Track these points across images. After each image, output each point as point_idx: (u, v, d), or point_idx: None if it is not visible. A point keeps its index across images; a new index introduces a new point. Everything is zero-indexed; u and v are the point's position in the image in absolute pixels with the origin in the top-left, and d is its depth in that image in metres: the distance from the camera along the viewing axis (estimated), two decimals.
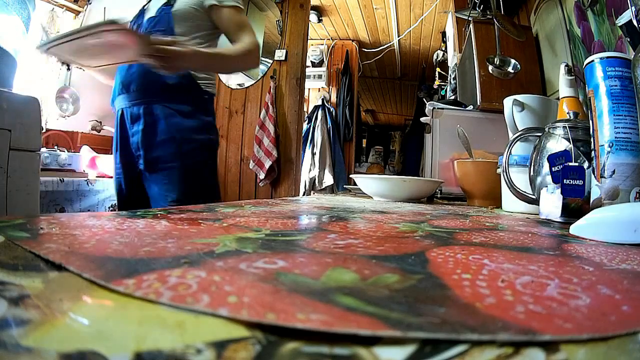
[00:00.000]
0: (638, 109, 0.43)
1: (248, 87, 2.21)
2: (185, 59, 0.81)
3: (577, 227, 0.36)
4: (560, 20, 1.22)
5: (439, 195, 1.22)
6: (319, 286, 0.15)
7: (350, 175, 1.56)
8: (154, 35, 0.81)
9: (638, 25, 0.67)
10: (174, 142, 0.92)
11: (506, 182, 0.64)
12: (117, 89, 0.98)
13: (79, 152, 1.80)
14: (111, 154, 1.75)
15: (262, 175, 2.05)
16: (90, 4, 2.07)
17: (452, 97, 1.74)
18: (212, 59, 0.92)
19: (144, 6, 1.05)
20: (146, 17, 1.00)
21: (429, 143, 1.36)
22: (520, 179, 0.63)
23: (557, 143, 0.55)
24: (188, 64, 0.86)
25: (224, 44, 1.01)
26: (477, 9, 1.50)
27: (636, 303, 0.15)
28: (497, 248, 0.26)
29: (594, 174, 0.47)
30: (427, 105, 1.41)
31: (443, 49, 2.69)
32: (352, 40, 3.37)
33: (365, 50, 3.43)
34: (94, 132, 2.06)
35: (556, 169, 0.51)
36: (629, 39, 0.78)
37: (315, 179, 3.12)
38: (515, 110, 0.86)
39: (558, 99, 0.82)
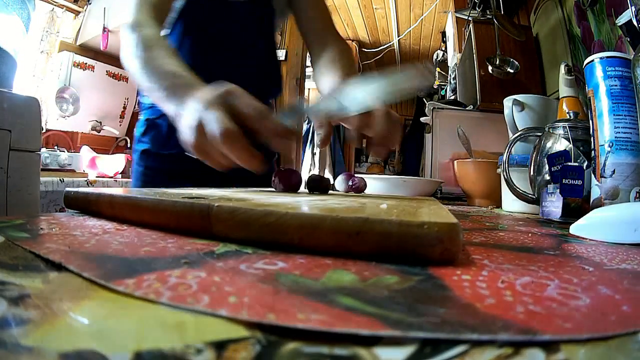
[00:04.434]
0: (638, 108, 0.43)
1: None
2: None
3: (577, 227, 0.36)
4: (560, 20, 1.22)
5: (439, 195, 1.22)
6: (319, 287, 0.15)
7: None
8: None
9: (638, 25, 0.67)
10: None
11: (506, 182, 0.64)
12: None
13: (79, 152, 1.80)
14: (110, 154, 1.75)
15: None
16: (90, 4, 2.07)
17: (452, 97, 1.74)
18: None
19: None
20: None
21: (429, 143, 1.36)
22: (520, 179, 0.63)
23: (557, 143, 0.55)
24: None
25: None
26: (477, 8, 1.50)
27: (636, 303, 0.15)
28: (497, 248, 0.26)
29: (594, 173, 0.47)
30: (427, 105, 1.41)
31: (443, 49, 2.69)
32: (352, 40, 3.37)
33: (365, 50, 3.43)
34: (94, 132, 2.06)
35: (555, 168, 0.51)
36: (628, 39, 0.78)
37: None
38: (515, 110, 0.86)
39: (558, 99, 0.82)
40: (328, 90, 0.58)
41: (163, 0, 0.60)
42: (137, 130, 0.77)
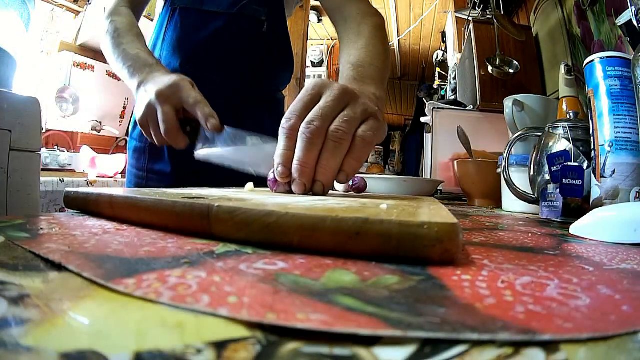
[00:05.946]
0: (638, 108, 0.43)
1: None
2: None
3: (577, 227, 0.36)
4: (560, 20, 1.22)
5: (439, 195, 1.22)
6: (319, 287, 0.15)
7: None
8: None
9: (638, 25, 0.67)
10: None
11: (506, 182, 0.64)
12: None
13: (79, 152, 1.80)
14: (110, 154, 1.75)
15: None
16: (90, 4, 2.07)
17: (452, 97, 1.74)
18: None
19: None
20: None
21: (429, 143, 1.36)
22: (520, 179, 0.63)
23: (557, 143, 0.55)
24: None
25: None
26: (477, 8, 1.50)
27: (636, 303, 0.15)
28: (497, 248, 0.26)
29: (594, 173, 0.47)
30: (427, 105, 1.41)
31: (443, 49, 2.70)
32: None
33: None
34: (94, 132, 2.06)
35: (555, 168, 0.51)
36: (628, 39, 0.78)
37: None
38: (515, 110, 0.86)
39: (558, 99, 0.82)
40: None
41: None
42: (130, 129, 0.78)
